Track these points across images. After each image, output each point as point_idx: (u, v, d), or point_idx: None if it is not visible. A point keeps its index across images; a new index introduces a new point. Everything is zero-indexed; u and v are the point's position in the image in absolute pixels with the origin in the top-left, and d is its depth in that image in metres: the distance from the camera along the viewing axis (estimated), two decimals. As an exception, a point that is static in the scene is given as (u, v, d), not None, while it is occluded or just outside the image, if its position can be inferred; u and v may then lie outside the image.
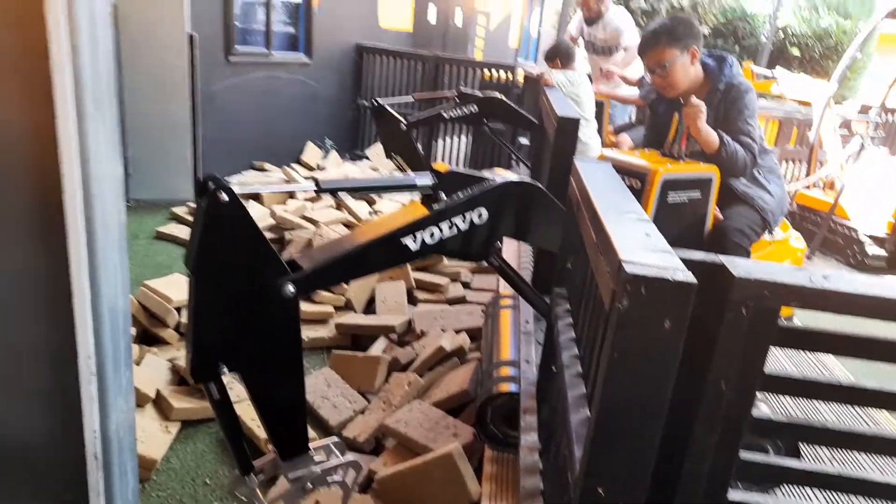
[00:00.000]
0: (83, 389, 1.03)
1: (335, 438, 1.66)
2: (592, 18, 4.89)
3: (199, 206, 1.21)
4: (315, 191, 1.50)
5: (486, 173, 1.72)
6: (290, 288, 1.33)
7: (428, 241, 1.56)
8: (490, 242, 1.71)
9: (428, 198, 1.60)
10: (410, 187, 1.65)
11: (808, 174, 5.93)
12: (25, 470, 1.08)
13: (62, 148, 0.95)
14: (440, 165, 1.65)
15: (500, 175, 1.77)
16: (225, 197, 1.20)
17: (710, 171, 2.31)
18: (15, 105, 0.96)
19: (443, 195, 1.57)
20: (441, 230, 1.57)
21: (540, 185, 1.78)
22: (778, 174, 2.56)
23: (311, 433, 2.13)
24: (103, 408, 1.08)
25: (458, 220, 1.59)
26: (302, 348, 1.45)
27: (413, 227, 1.52)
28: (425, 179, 1.60)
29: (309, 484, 1.53)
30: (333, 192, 1.60)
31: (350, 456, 1.63)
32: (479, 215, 1.63)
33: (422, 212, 1.57)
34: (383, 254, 1.53)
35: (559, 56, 4.24)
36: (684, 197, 2.30)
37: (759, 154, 2.36)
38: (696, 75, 2.43)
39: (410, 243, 1.53)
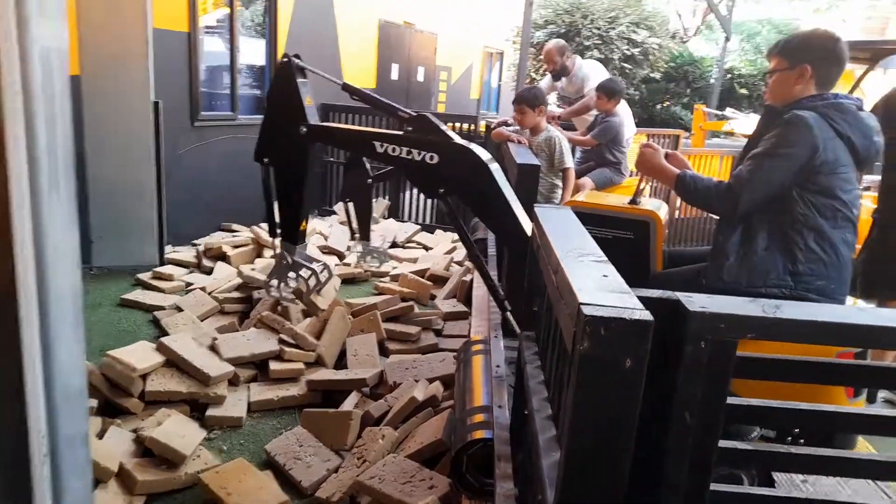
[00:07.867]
0: (34, 471, 0.98)
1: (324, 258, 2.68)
2: (558, 73, 5.03)
3: (277, 71, 2.59)
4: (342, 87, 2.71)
5: (455, 137, 2.35)
6: (303, 129, 2.54)
7: (390, 153, 2.36)
8: (438, 185, 2.33)
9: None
10: (391, 113, 2.55)
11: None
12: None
13: (15, 225, 0.95)
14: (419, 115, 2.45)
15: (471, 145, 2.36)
16: (286, 60, 2.54)
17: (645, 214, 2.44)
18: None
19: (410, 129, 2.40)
20: (400, 150, 2.34)
21: (489, 167, 2.27)
22: None
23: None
24: (56, 490, 1.03)
25: (414, 151, 2.31)
26: (307, 164, 2.68)
27: (383, 138, 2.40)
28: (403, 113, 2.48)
29: (289, 259, 2.67)
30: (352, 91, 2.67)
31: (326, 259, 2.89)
32: (431, 157, 2.30)
33: None
34: (359, 143, 2.51)
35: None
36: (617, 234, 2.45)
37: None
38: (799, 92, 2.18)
39: (378, 146, 2.39)
